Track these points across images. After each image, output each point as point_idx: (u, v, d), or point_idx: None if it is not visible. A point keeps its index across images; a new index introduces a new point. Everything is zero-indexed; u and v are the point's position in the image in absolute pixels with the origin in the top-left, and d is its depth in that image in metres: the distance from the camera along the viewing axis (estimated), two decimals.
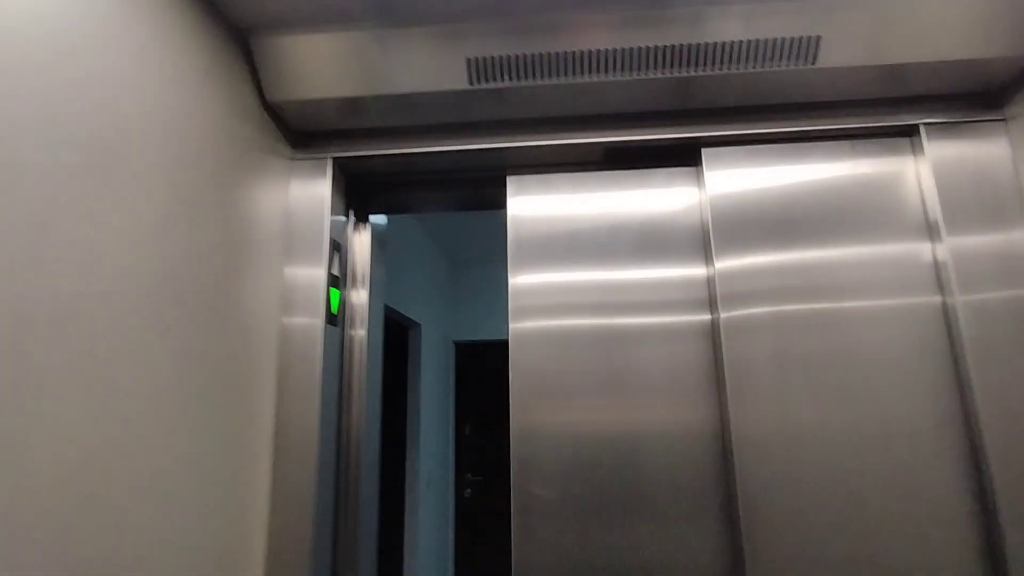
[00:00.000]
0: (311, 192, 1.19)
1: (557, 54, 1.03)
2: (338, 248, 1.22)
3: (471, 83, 1.07)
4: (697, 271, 1.17)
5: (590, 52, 1.03)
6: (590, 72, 1.06)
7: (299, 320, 1.13)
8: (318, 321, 1.13)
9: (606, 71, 1.06)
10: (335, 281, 1.20)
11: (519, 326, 1.16)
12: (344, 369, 1.23)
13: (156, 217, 0.80)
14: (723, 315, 1.10)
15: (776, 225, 1.13)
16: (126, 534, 0.73)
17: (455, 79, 1.07)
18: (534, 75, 1.06)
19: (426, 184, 1.32)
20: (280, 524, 1.05)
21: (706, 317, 1.14)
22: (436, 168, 1.28)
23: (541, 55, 1.03)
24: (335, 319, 1.19)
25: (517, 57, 1.04)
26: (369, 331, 1.29)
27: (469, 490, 3.98)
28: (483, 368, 4.19)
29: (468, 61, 1.04)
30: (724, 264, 1.13)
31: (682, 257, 1.18)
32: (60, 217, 0.66)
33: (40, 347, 0.62)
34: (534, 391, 1.13)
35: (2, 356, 0.58)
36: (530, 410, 1.12)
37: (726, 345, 1.08)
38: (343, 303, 1.24)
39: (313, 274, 1.15)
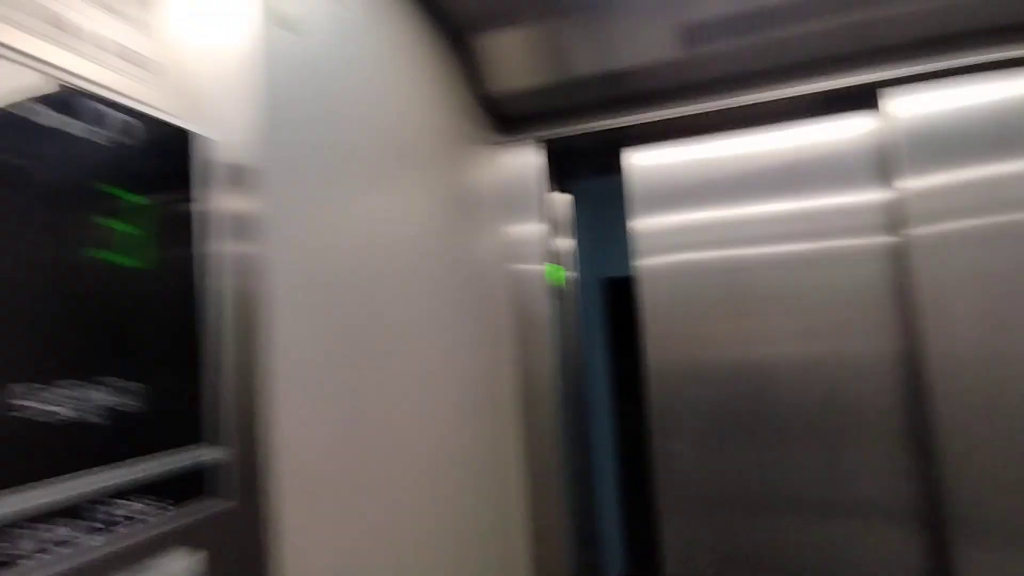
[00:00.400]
0: (521, 168, 1.29)
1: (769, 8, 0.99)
2: (548, 218, 1.30)
3: (684, 48, 1.06)
4: (870, 196, 1.13)
5: None
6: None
7: (522, 267, 1.27)
8: (537, 267, 1.26)
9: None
10: (551, 257, 1.29)
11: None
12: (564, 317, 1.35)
13: (418, 196, 0.92)
14: (916, 232, 1.05)
15: (969, 141, 1.05)
16: (446, 440, 0.91)
17: (666, 47, 1.06)
18: (748, 32, 1.03)
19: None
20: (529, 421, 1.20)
21: (883, 240, 1.10)
22: (640, 135, 1.29)
23: (757, 10, 0.99)
24: (558, 290, 1.29)
25: (729, 17, 1.01)
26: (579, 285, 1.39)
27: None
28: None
29: (680, 26, 1.03)
30: (915, 183, 1.07)
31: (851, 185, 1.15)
32: (378, 202, 0.80)
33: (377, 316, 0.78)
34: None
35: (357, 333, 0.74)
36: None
37: (920, 265, 1.04)
38: (558, 273, 1.32)
39: (529, 229, 1.28)
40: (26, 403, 0.32)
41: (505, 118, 1.30)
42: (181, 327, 0.43)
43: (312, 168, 0.63)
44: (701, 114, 1.19)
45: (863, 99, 1.13)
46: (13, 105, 0.34)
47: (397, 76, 0.88)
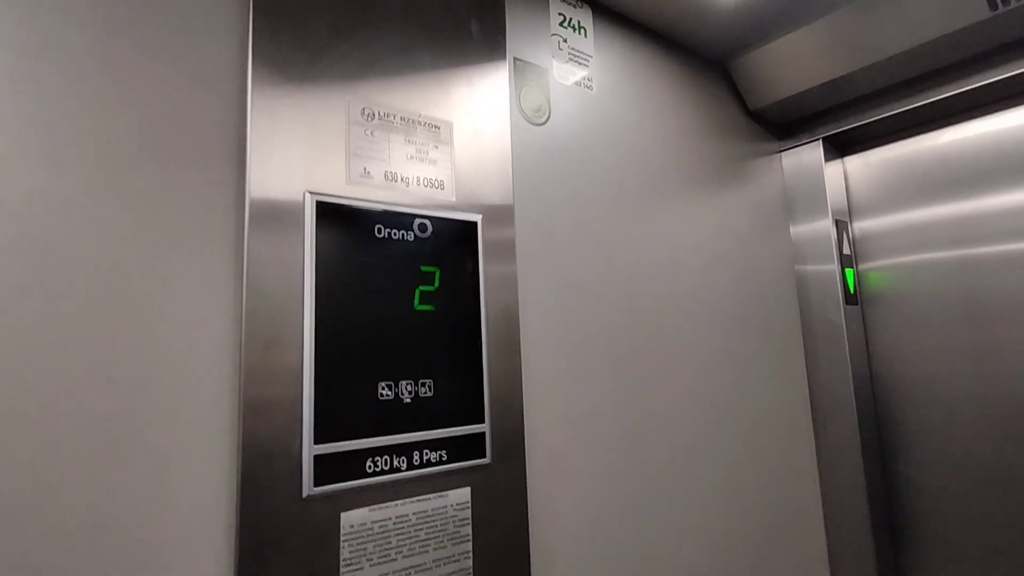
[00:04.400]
0: (806, 170, 1.25)
1: None
2: (844, 226, 1.23)
3: (992, 8, 0.88)
4: None
5: None
6: None
7: (811, 267, 1.23)
8: (831, 270, 1.20)
9: None
10: (847, 262, 1.22)
11: None
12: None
13: (690, 215, 1.05)
14: None
15: None
16: (709, 441, 1.01)
17: (970, 12, 0.90)
18: None
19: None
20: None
21: None
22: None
23: None
24: (855, 298, 1.21)
25: None
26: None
27: None
28: None
29: None
30: None
31: None
32: (637, 227, 0.95)
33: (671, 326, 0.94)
34: None
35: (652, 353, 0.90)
36: None
37: None
38: (857, 279, 1.24)
39: (820, 228, 1.22)
40: (385, 392, 0.62)
41: (781, 125, 1.27)
42: (467, 346, 0.69)
43: (558, 211, 0.84)
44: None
45: None
46: (371, 230, 0.64)
47: (648, 117, 1.01)
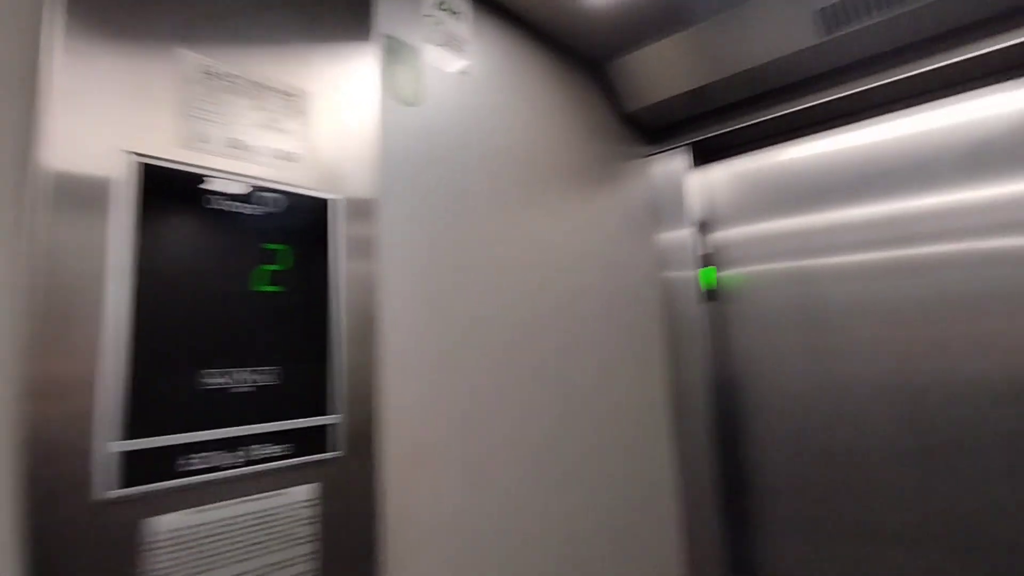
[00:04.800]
0: (671, 178, 1.31)
1: None
2: (704, 227, 1.31)
3: (825, 34, 0.98)
4: None
5: None
6: None
7: (673, 273, 1.29)
8: (691, 277, 1.27)
9: None
10: (707, 260, 1.29)
11: None
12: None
13: (557, 214, 1.06)
14: None
15: None
16: (571, 434, 1.02)
17: (805, 36, 0.99)
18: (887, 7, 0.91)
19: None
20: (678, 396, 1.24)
21: None
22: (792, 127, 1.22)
23: None
24: (713, 295, 1.29)
25: None
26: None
27: None
28: None
29: (821, 12, 0.96)
30: None
31: None
32: (505, 223, 0.94)
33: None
34: None
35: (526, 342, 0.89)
36: None
37: None
38: (716, 278, 1.32)
39: (681, 238, 1.29)
40: (214, 380, 0.55)
41: (651, 130, 1.34)
42: (317, 333, 0.64)
43: (424, 204, 0.82)
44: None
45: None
46: (207, 201, 0.57)
47: (524, 112, 1.01)
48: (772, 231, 1.25)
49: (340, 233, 0.67)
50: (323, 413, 0.63)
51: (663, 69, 1.15)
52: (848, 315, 1.12)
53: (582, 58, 1.18)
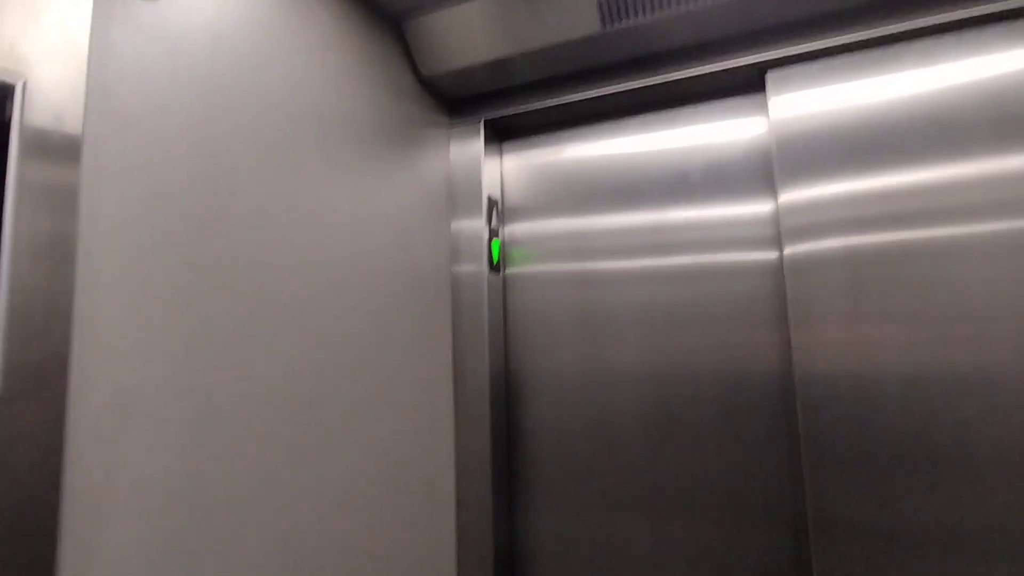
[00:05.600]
0: (468, 153, 1.32)
1: None
2: (495, 203, 1.33)
3: (603, 26, 1.06)
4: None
5: None
6: None
7: (466, 268, 1.29)
8: (482, 269, 1.27)
9: None
10: (494, 233, 1.31)
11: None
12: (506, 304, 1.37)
13: (355, 178, 0.99)
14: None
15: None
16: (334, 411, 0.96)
17: (585, 25, 1.07)
18: (660, 7, 1.02)
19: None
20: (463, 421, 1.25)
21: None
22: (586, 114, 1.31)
23: None
24: (497, 267, 1.32)
25: None
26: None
27: None
28: None
29: (599, 4, 1.04)
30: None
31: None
32: (271, 183, 0.86)
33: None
34: None
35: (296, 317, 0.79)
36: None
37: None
38: (503, 250, 1.35)
39: (475, 226, 1.29)
40: None
41: (449, 100, 1.34)
42: None
43: (168, 125, 0.71)
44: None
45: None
46: None
47: (318, 51, 0.94)
48: (557, 229, 1.31)
49: (20, 123, 0.55)
50: None
51: (463, 35, 1.15)
52: (614, 314, 1.23)
53: (381, 12, 1.13)
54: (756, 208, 1.14)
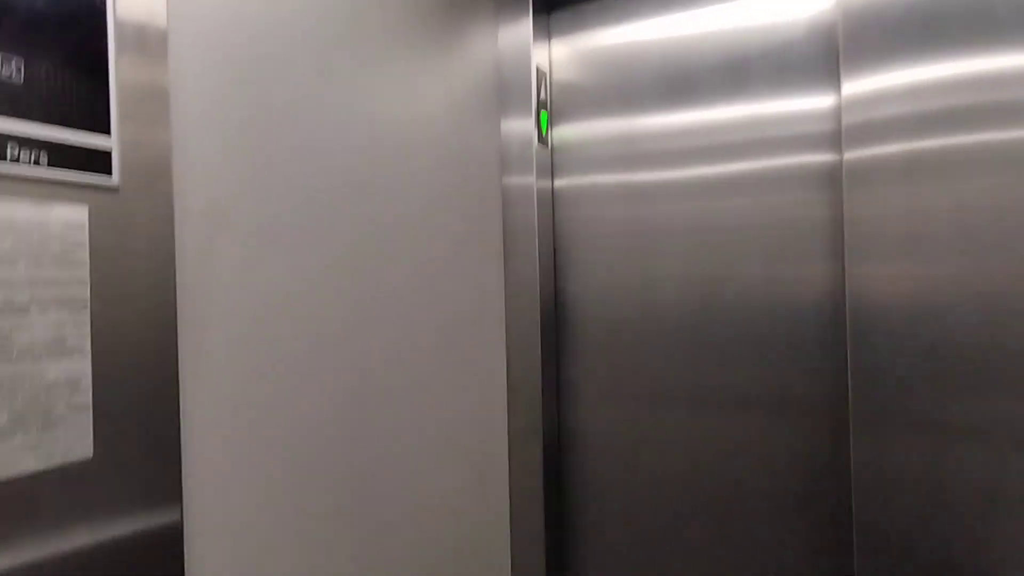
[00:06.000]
0: (515, 34, 1.24)
1: None
2: (544, 76, 1.28)
3: None
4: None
5: None
6: None
7: (516, 180, 1.24)
8: (531, 180, 1.23)
9: None
10: (543, 105, 1.27)
11: None
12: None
13: (403, 73, 0.97)
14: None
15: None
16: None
17: None
18: None
19: None
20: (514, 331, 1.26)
21: None
22: None
23: None
24: (545, 140, 1.29)
25: None
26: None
27: None
28: None
29: None
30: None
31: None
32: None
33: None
34: None
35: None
36: None
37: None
38: (550, 123, 1.31)
39: (525, 127, 1.23)
40: None
41: None
42: (88, 32, 0.55)
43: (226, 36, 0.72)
44: None
45: None
46: None
47: None
48: (604, 132, 1.22)
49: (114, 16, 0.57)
50: (97, 131, 0.56)
51: None
52: (663, 229, 1.17)
53: None
54: (816, 103, 1.03)
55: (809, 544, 1.08)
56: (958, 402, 0.89)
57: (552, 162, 1.31)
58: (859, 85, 0.93)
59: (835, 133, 1.00)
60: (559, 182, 1.30)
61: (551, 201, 1.30)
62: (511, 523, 1.28)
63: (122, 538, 0.57)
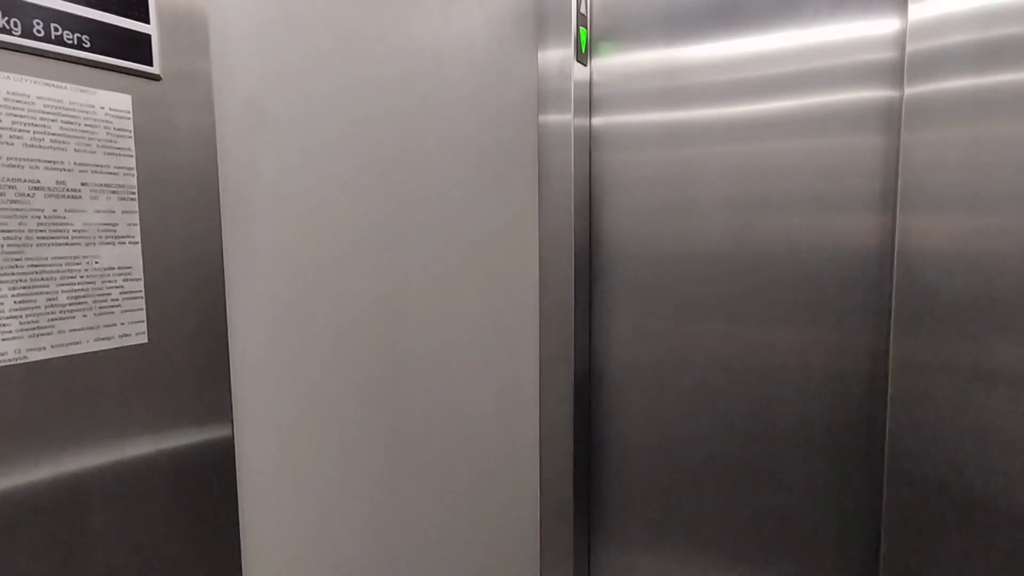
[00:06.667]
0: None
1: None
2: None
3: None
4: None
5: None
6: None
7: (553, 117, 1.21)
8: (568, 117, 1.20)
9: None
10: (583, 20, 1.23)
11: None
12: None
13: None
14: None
15: None
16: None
17: None
18: None
19: None
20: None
21: None
22: None
23: None
24: (584, 58, 1.25)
25: None
26: None
27: None
28: None
29: None
30: None
31: None
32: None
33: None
34: None
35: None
36: None
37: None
38: (589, 39, 1.26)
39: (564, 55, 1.19)
40: None
41: None
42: None
43: None
44: None
45: None
46: None
47: None
48: (645, 64, 1.17)
49: None
50: (135, 17, 0.55)
51: None
52: (704, 175, 1.14)
53: None
54: (878, 27, 0.95)
55: (840, 477, 1.08)
56: (1002, 351, 0.86)
57: (591, 95, 1.27)
58: (929, 6, 0.86)
59: (897, 64, 0.93)
60: (596, 120, 1.27)
61: (588, 137, 1.27)
62: (540, 449, 1.31)
63: (177, 416, 0.60)
